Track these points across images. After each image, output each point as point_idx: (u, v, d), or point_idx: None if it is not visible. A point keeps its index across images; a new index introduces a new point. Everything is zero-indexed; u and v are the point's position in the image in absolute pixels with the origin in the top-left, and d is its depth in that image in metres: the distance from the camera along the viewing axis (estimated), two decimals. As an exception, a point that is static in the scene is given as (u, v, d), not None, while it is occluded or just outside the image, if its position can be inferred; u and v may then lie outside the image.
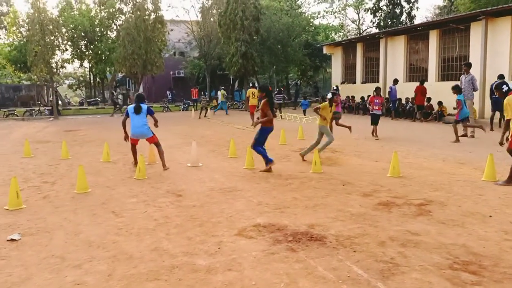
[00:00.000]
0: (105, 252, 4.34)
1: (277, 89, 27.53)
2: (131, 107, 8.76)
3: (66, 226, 5.22)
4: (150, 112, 8.76)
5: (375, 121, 12.98)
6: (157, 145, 8.85)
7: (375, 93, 13.05)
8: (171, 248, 4.39)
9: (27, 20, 30.04)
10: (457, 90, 11.43)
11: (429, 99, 18.75)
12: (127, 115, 8.74)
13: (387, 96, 21.27)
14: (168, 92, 41.47)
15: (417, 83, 19.07)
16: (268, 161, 8.19)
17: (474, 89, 12.52)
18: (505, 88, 7.16)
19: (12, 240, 4.72)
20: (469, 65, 13.04)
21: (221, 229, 4.97)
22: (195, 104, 30.18)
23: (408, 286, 3.46)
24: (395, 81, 20.13)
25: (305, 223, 5.10)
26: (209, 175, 8.06)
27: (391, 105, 20.28)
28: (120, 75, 45.37)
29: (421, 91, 18.34)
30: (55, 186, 7.45)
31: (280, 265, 3.92)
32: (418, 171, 8.02)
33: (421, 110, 18.61)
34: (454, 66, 19.79)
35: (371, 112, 13.20)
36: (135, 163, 8.83)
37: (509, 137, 6.85)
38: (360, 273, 3.71)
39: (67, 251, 4.37)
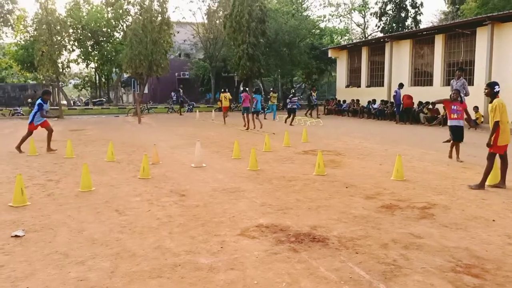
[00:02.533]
0: (108, 249, 4.36)
1: (292, 91, 21.74)
2: None
3: (70, 223, 5.25)
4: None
5: (457, 135, 9.46)
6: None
7: (452, 97, 9.53)
8: (173, 247, 4.41)
9: (35, 20, 30.25)
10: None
11: (434, 104, 18.72)
12: None
13: (391, 100, 21.28)
14: (172, 93, 41.60)
15: (422, 87, 19.10)
16: None
17: (466, 94, 12.45)
18: (497, 88, 6.90)
19: (16, 236, 4.75)
20: (462, 70, 13.03)
21: (223, 228, 4.98)
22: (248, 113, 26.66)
23: (410, 288, 3.46)
24: (401, 85, 20.11)
25: (307, 224, 5.10)
26: (213, 176, 8.08)
27: (395, 109, 20.29)
28: (125, 75, 45.56)
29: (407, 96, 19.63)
30: (59, 184, 7.49)
31: (282, 265, 3.93)
32: (422, 174, 8.01)
33: (408, 113, 19.78)
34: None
35: (449, 124, 9.70)
36: None
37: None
38: (362, 274, 3.71)
39: (71, 248, 4.40)
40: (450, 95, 9.69)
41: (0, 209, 5.86)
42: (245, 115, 17.65)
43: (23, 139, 11.43)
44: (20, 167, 9.03)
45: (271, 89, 28.27)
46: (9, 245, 4.52)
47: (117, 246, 4.44)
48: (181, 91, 30.59)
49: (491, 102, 6.94)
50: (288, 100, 20.06)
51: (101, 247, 4.42)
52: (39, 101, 11.44)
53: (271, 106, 24.83)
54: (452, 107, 9.43)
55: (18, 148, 11.29)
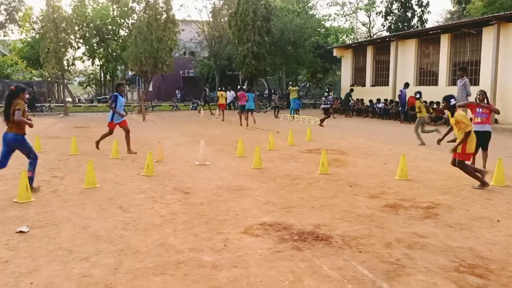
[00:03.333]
0: (112, 246, 4.38)
1: (326, 89, 19.62)
2: None
3: (74, 220, 5.28)
4: None
5: (481, 141, 8.03)
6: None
7: (478, 98, 8.43)
8: (177, 244, 4.42)
9: (40, 17, 30.36)
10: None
11: (439, 104, 18.67)
12: None
13: (397, 99, 21.21)
14: (177, 91, 41.68)
15: (427, 87, 19.01)
16: None
17: (467, 94, 12.37)
18: (453, 101, 7.05)
19: (21, 232, 4.78)
20: (463, 69, 12.93)
21: (227, 226, 4.99)
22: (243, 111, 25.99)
23: (413, 287, 3.45)
24: (406, 85, 20.03)
25: (311, 223, 5.10)
26: (217, 174, 8.09)
27: (400, 108, 20.23)
28: (130, 73, 45.63)
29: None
30: (64, 181, 7.53)
31: (286, 263, 3.93)
32: (426, 174, 7.98)
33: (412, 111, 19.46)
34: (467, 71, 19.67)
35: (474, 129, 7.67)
36: None
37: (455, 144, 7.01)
38: (365, 273, 3.71)
39: (75, 244, 4.42)
40: (475, 97, 8.76)
41: (5, 205, 5.89)
42: (241, 113, 18.73)
43: (103, 137, 10.82)
44: (25, 164, 9.05)
45: (290, 82, 27.02)
46: (14, 240, 4.54)
47: (121, 243, 4.46)
48: (207, 90, 29.89)
49: (452, 115, 7.06)
50: (323, 99, 18.84)
51: (105, 244, 4.43)
52: (115, 94, 10.60)
53: (292, 100, 23.90)
54: (478, 110, 8.34)
55: (97, 145, 10.81)
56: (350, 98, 24.80)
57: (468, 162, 7.20)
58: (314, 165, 8.75)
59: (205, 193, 6.59)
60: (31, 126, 6.61)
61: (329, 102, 18.30)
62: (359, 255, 4.10)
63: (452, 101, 7.04)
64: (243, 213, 5.53)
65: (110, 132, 10.81)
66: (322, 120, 17.80)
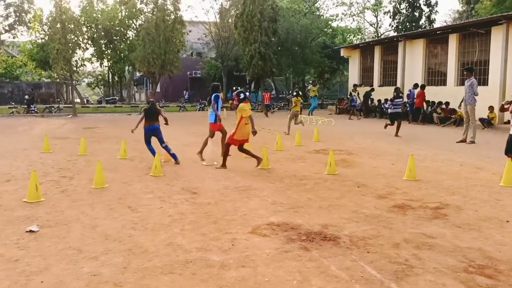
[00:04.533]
0: (121, 245, 4.41)
1: (395, 91, 14.90)
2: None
3: (83, 219, 5.32)
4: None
5: None
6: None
7: None
8: (185, 244, 4.44)
9: (49, 19, 30.61)
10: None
11: (447, 104, 18.55)
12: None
13: (405, 99, 21.08)
14: (184, 92, 41.83)
15: (436, 87, 18.89)
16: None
17: (475, 94, 12.27)
18: (242, 96, 8.76)
19: (31, 231, 4.83)
20: (470, 70, 12.78)
21: (235, 226, 5.00)
22: (268, 109, 26.59)
23: (422, 287, 3.44)
24: (415, 86, 19.89)
25: (319, 223, 5.10)
26: (224, 174, 8.10)
27: (408, 108, 20.08)
28: (138, 74, 45.85)
29: (422, 95, 19.21)
30: (73, 181, 7.59)
31: (293, 263, 3.94)
32: (434, 174, 7.94)
33: (419, 113, 19.43)
34: (474, 71, 19.51)
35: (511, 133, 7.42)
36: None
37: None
38: (374, 273, 3.70)
39: (84, 244, 4.46)
40: None
41: (15, 205, 5.95)
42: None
43: (205, 143, 9.89)
44: (34, 164, 9.16)
45: (311, 82, 26.24)
46: (24, 240, 4.59)
47: (130, 242, 4.49)
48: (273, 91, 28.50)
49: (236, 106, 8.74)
50: (389, 103, 15.33)
51: (114, 243, 4.47)
52: (214, 94, 9.93)
53: (312, 99, 23.43)
54: None
55: (200, 154, 9.80)
56: (369, 98, 23.46)
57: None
58: (322, 166, 8.74)
59: (212, 193, 6.61)
60: None
61: (398, 109, 14.59)
62: (367, 255, 4.10)
63: (242, 95, 8.73)
64: (250, 213, 5.54)
65: (212, 134, 9.99)
66: (397, 130, 14.34)
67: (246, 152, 8.82)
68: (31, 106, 28.52)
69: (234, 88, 24.64)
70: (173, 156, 9.21)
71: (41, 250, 4.29)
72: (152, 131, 9.11)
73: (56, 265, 3.91)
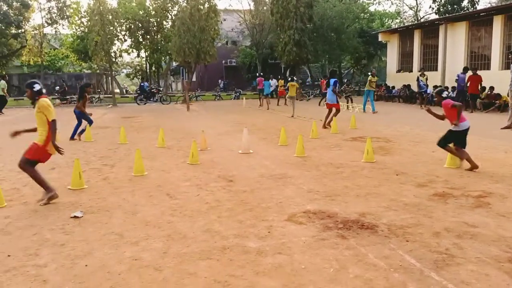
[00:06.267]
0: (161, 231, 4.52)
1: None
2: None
3: (124, 206, 5.48)
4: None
5: None
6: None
7: None
8: (222, 230, 4.50)
9: (88, 11, 31.41)
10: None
11: (492, 88, 17.78)
12: None
13: (446, 84, 20.35)
14: (220, 81, 42.08)
15: (479, 72, 17.93)
16: None
17: None
18: (445, 94, 7.39)
19: (75, 217, 5.03)
20: None
21: (271, 214, 5.02)
22: (322, 97, 22.96)
23: (463, 277, 3.35)
24: (465, 70, 18.21)
25: (356, 211, 5.04)
26: (260, 162, 8.13)
27: (454, 94, 18.33)
28: (174, 64, 46.45)
29: (474, 80, 17.26)
30: (114, 169, 7.82)
31: (330, 251, 3.92)
32: (477, 162, 7.65)
33: (474, 99, 17.58)
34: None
35: None
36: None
37: None
38: (413, 262, 3.63)
39: (125, 229, 4.60)
40: None
41: (60, 192, 6.18)
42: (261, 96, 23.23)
43: (328, 117, 12.84)
44: (77, 153, 9.50)
45: (369, 73, 20.88)
46: (69, 225, 4.78)
47: (169, 228, 4.59)
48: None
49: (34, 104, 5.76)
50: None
51: (154, 229, 4.59)
52: (335, 79, 12.85)
53: (368, 92, 18.67)
54: None
55: (327, 124, 12.78)
56: (419, 82, 20.68)
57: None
58: (359, 153, 8.61)
59: (248, 181, 6.65)
60: None
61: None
62: (406, 244, 4.02)
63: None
64: (286, 201, 5.55)
65: (338, 111, 12.80)
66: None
67: None
68: (66, 97, 29.48)
69: (271, 76, 24.69)
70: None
71: (85, 235, 4.47)
72: None
73: (99, 250, 4.06)
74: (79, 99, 11.56)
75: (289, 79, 18.88)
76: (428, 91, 20.38)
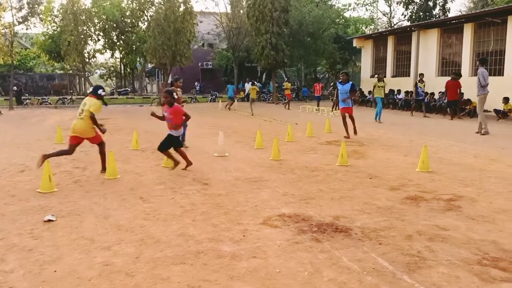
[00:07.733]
0: (133, 235, 4.44)
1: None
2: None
3: (96, 209, 5.36)
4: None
5: None
6: None
7: None
8: (196, 234, 4.45)
9: (61, 10, 30.76)
10: None
11: (462, 95, 18.24)
12: None
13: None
14: (196, 83, 41.88)
15: (450, 77, 18.18)
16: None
17: (481, 84, 11.99)
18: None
19: (49, 220, 4.88)
20: (482, 61, 12.37)
21: (246, 217, 5.00)
22: (318, 102, 23.76)
23: (435, 280, 3.40)
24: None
25: (330, 214, 5.07)
26: (235, 165, 8.10)
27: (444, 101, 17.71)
28: (149, 65, 45.96)
29: (453, 86, 16.78)
30: (85, 172, 7.65)
31: (305, 254, 3.92)
32: (448, 166, 7.84)
33: (452, 106, 17.18)
34: (490, 61, 19.12)
35: None
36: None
37: None
38: (386, 265, 3.67)
39: (97, 234, 4.49)
40: None
41: (29, 195, 6.02)
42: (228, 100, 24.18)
43: (346, 125, 11.82)
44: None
45: (376, 76, 17.82)
46: (38, 229, 4.64)
47: (142, 233, 4.51)
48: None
49: None
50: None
51: (126, 233, 4.50)
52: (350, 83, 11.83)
53: (377, 99, 16.08)
54: None
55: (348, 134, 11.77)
56: (417, 89, 20.01)
57: None
58: (333, 157, 8.69)
59: (223, 184, 6.61)
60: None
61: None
62: (379, 247, 4.07)
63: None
64: (261, 204, 5.53)
65: (352, 117, 11.99)
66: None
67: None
68: (21, 98, 28.55)
69: (247, 79, 24.82)
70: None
71: (54, 239, 4.34)
72: None
73: (69, 255, 3.95)
74: None
75: (250, 83, 22.35)
76: (425, 100, 19.27)
